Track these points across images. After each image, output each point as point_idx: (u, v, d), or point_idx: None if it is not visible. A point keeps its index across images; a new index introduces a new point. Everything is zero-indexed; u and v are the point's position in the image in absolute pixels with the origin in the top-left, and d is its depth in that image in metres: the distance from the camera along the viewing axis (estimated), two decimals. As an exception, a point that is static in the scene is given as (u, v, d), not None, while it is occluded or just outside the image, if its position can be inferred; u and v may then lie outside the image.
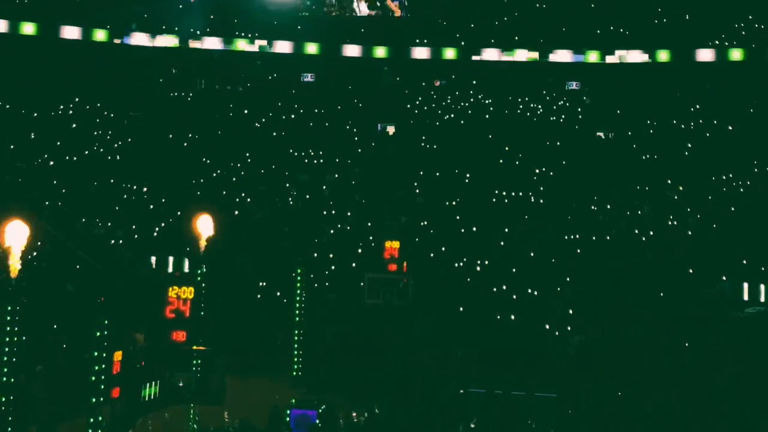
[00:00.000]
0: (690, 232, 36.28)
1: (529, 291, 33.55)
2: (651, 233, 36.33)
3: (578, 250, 35.90)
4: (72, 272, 32.81)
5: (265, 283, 34.41)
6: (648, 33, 49.27)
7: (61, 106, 45.36)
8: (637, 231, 36.53)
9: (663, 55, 48.67)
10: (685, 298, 32.02)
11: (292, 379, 28.96)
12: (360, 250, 35.98)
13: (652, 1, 49.71)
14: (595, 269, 34.32)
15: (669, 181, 39.97)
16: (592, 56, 49.31)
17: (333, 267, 35.55)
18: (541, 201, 39.54)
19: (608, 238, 36.54)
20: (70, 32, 48.44)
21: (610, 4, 49.76)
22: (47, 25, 48.04)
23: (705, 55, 48.41)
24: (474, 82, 50.32)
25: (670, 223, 37.11)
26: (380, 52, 51.15)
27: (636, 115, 45.95)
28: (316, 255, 35.52)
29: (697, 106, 46.56)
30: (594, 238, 36.62)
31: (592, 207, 38.88)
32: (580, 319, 31.63)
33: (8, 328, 22.48)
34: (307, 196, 39.99)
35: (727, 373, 25.49)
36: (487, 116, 47.54)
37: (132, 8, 50.18)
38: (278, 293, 33.44)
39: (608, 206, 38.80)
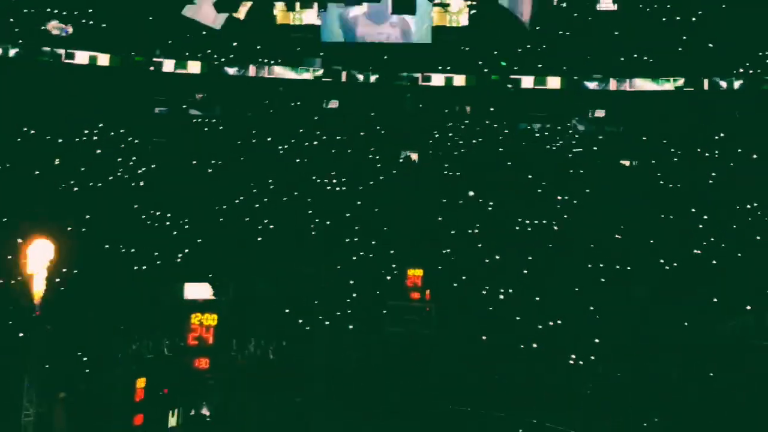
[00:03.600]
0: (714, 261, 36.07)
1: (552, 324, 33.44)
2: (675, 263, 36.13)
3: (602, 279, 35.74)
4: (95, 298, 32.85)
5: (288, 311, 34.42)
6: (673, 60, 49.03)
7: (86, 131, 45.47)
8: (662, 260, 36.31)
9: (687, 83, 48.43)
10: (709, 328, 31.85)
11: (315, 405, 28.91)
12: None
13: (677, 29, 49.49)
14: (619, 298, 34.19)
15: (693, 210, 39.73)
16: (616, 84, 49.07)
17: (354, 294, 35.52)
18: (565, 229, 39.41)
19: (629, 268, 36.39)
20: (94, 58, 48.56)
21: (634, 32, 49.55)
22: (71, 49, 48.18)
23: (729, 83, 48.13)
24: (496, 109, 50.16)
25: (695, 251, 36.89)
26: (403, 78, 51.04)
27: (660, 143, 45.71)
28: (337, 282, 35.50)
29: (722, 134, 46.27)
30: (618, 267, 36.46)
31: (616, 236, 38.67)
32: (603, 349, 31.48)
33: (32, 355, 22.60)
34: (328, 222, 39.95)
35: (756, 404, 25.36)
36: (509, 143, 47.37)
37: (156, 34, 50.28)
38: (300, 320, 33.41)
39: (632, 235, 38.59)
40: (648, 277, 35.48)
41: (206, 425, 27.93)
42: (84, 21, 47.74)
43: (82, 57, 47.90)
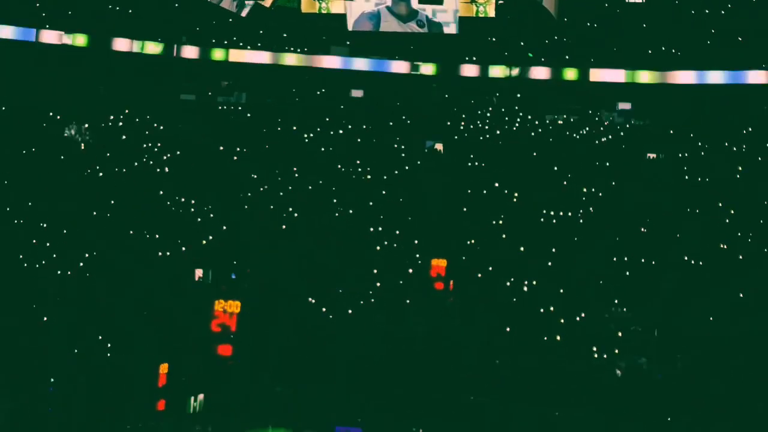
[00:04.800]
0: (741, 257, 35.85)
1: (577, 318, 33.32)
2: (701, 257, 35.92)
3: (627, 273, 35.59)
4: (119, 283, 32.92)
5: (313, 300, 34.43)
6: (700, 53, 48.71)
7: (111, 117, 45.60)
8: (688, 255, 36.12)
9: (714, 76, 48.06)
10: (735, 322, 31.69)
11: (337, 395, 28.88)
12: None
13: (705, 22, 49.14)
14: (644, 292, 34.04)
15: (720, 204, 39.49)
16: (643, 76, 48.76)
17: (378, 284, 35.49)
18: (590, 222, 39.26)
19: (654, 261, 36.24)
20: (121, 44, 48.63)
21: (661, 24, 49.23)
22: (98, 36, 48.25)
23: (757, 76, 47.76)
24: (523, 100, 50.01)
25: (721, 245, 36.68)
26: (428, 69, 50.94)
27: (687, 137, 45.46)
28: (362, 272, 35.47)
29: (750, 129, 45.97)
30: (643, 260, 36.29)
31: (642, 229, 38.49)
32: (628, 342, 31.36)
33: (58, 340, 22.69)
34: (351, 212, 39.93)
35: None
36: (535, 135, 47.24)
37: (182, 21, 50.34)
38: (324, 309, 33.40)
39: (658, 228, 38.41)
40: (674, 271, 35.26)
41: (227, 410, 27.96)
42: (113, 7, 47.99)
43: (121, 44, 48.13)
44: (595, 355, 31.29)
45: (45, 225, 35.42)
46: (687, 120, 46.58)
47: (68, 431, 24.31)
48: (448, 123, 48.25)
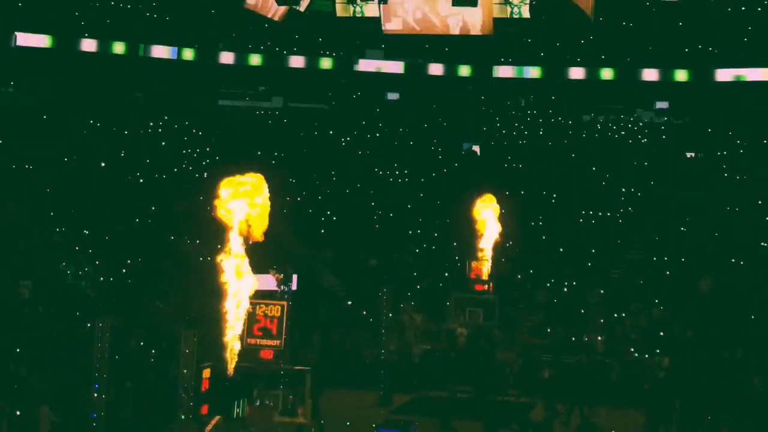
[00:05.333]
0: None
1: (615, 314, 33.23)
2: (741, 256, 35.70)
3: (667, 272, 35.49)
4: (161, 289, 33.10)
5: (351, 303, 34.55)
6: (737, 52, 48.42)
7: (151, 123, 45.98)
8: (727, 253, 35.92)
9: (753, 74, 47.74)
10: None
11: (378, 398, 28.92)
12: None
13: (742, 20, 48.84)
14: (685, 291, 33.93)
15: (759, 202, 39.25)
16: (681, 75, 48.55)
17: (418, 286, 35.57)
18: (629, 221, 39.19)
19: (694, 260, 36.08)
20: (158, 51, 48.99)
21: (698, 22, 48.98)
22: (135, 44, 48.67)
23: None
24: (560, 101, 49.98)
25: (763, 244, 36.46)
26: (464, 71, 50.99)
27: (726, 135, 45.26)
28: (401, 274, 35.56)
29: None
30: (683, 259, 36.17)
31: (681, 228, 38.35)
32: (669, 341, 31.22)
33: (99, 345, 22.83)
34: (391, 215, 40.05)
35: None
36: (573, 135, 47.21)
37: (219, 28, 50.70)
38: (364, 312, 33.48)
39: (697, 228, 38.26)
40: (713, 270, 35.08)
41: (270, 416, 28.01)
42: (152, 15, 48.38)
43: (158, 51, 48.51)
44: (635, 355, 31.21)
45: (87, 232, 35.73)
46: (726, 118, 46.37)
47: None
48: (486, 124, 48.36)
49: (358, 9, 39.68)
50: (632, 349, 31.10)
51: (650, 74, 48.86)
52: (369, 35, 48.32)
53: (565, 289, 35.04)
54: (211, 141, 45.80)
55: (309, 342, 31.11)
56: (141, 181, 40.58)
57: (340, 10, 39.97)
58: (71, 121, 43.59)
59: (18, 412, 23.85)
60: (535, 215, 39.51)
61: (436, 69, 51.07)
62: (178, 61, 49.60)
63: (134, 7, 47.78)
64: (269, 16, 42.38)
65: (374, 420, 22.53)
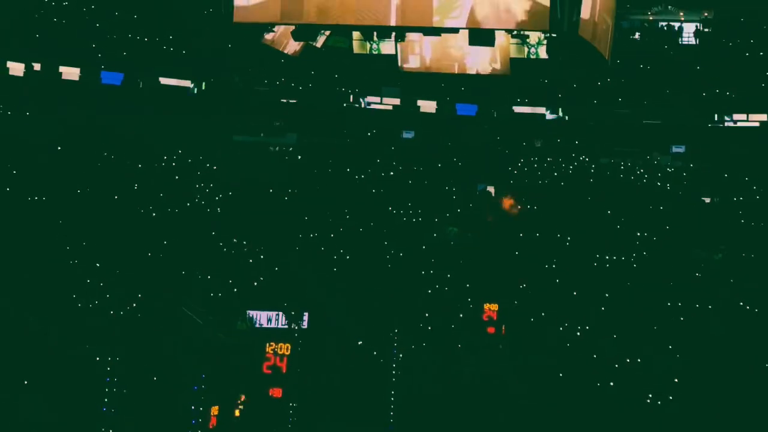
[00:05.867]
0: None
1: (628, 360, 33.00)
2: (756, 305, 35.46)
3: (681, 318, 35.22)
4: (169, 323, 33.04)
5: (361, 342, 34.36)
6: (755, 95, 48.32)
7: (165, 157, 45.93)
8: (741, 303, 35.65)
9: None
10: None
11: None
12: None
13: (758, 64, 48.79)
14: (699, 337, 33.71)
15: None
16: (698, 119, 48.44)
17: (429, 328, 35.35)
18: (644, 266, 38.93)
19: (710, 307, 35.82)
20: (173, 83, 49.09)
21: (714, 67, 48.95)
22: (150, 76, 48.85)
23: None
24: (576, 142, 49.82)
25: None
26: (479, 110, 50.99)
27: (743, 180, 45.01)
28: (413, 315, 35.38)
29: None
30: (697, 305, 35.90)
31: (696, 274, 38.08)
32: (684, 391, 31.02)
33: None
34: (401, 254, 39.87)
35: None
36: (588, 178, 47.04)
37: (234, 62, 50.79)
38: (375, 353, 33.29)
39: (713, 273, 38.02)
40: (728, 318, 34.85)
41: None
42: (164, 47, 48.56)
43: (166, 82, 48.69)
44: (648, 401, 30.98)
45: (98, 265, 35.66)
46: (743, 164, 46.15)
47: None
48: (500, 165, 48.17)
49: (374, 46, 39.59)
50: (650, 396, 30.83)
51: (666, 117, 48.81)
52: (385, 73, 48.38)
53: (578, 333, 34.79)
54: (224, 176, 45.75)
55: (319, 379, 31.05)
56: (153, 215, 40.52)
57: (357, 47, 39.88)
58: (82, 153, 43.61)
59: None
60: (549, 258, 39.28)
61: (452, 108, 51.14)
62: (193, 94, 49.83)
63: (151, 40, 48.04)
64: (285, 51, 42.41)
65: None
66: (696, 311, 35.71)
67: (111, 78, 46.65)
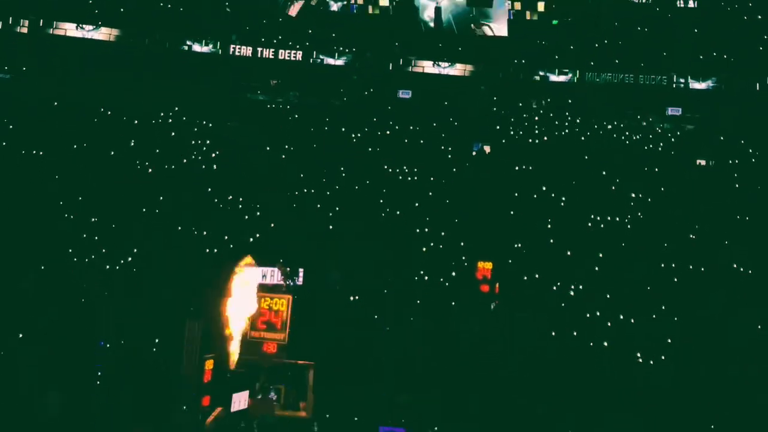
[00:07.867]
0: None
1: (621, 317, 33.06)
2: (750, 265, 35.52)
3: (675, 279, 35.29)
4: (167, 279, 33.06)
5: (356, 297, 34.44)
6: (753, 59, 48.26)
7: (162, 114, 45.87)
8: (737, 263, 35.73)
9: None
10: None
11: (381, 396, 28.83)
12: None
13: (758, 28, 48.72)
14: (692, 300, 33.75)
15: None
16: (694, 81, 48.39)
17: (424, 281, 35.44)
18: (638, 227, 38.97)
19: (703, 269, 35.89)
20: (171, 43, 49.02)
21: (713, 29, 48.87)
22: (147, 34, 48.77)
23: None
24: (572, 103, 49.77)
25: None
26: (477, 71, 50.92)
27: (738, 143, 44.99)
28: (407, 273, 35.43)
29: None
30: (691, 267, 35.97)
31: (691, 236, 38.13)
32: (674, 350, 31.12)
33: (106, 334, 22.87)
34: (398, 212, 39.86)
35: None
36: (584, 139, 46.98)
37: (233, 20, 50.74)
38: (368, 310, 33.37)
39: (707, 235, 38.06)
40: (723, 279, 34.93)
41: (272, 408, 27.97)
42: (165, 5, 48.42)
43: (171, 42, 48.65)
44: (640, 361, 31.08)
45: (95, 219, 35.70)
46: (737, 126, 46.13)
47: (114, 424, 24.42)
48: (497, 125, 48.12)
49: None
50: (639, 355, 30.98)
51: (664, 80, 48.75)
52: (381, 32, 48.33)
53: (572, 293, 34.86)
54: (221, 133, 45.72)
55: (313, 337, 31.05)
56: (150, 171, 40.51)
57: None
58: (79, 110, 43.58)
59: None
60: (544, 218, 39.30)
61: (448, 68, 51.05)
62: (190, 52, 49.73)
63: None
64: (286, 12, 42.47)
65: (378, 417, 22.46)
66: (689, 272, 35.77)
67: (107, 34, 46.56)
